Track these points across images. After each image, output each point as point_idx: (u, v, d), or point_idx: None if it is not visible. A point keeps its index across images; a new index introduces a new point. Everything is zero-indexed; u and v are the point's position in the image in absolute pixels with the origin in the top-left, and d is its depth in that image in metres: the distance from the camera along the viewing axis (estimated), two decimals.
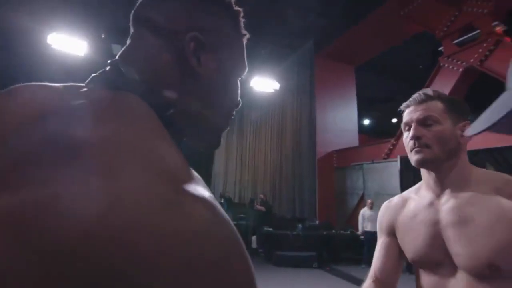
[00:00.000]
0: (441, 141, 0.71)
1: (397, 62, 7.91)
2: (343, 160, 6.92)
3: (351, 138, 7.52)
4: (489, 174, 0.74)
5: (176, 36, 0.39)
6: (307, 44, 7.49)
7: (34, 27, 5.75)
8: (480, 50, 4.33)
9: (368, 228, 5.37)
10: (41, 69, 6.69)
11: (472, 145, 4.29)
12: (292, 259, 5.53)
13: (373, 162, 6.06)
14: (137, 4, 0.42)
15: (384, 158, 5.87)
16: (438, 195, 0.74)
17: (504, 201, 0.65)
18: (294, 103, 8.09)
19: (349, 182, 6.67)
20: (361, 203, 6.15)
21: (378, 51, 6.96)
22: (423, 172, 0.77)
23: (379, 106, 11.03)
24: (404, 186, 4.03)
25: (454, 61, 4.70)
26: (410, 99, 0.79)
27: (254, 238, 6.64)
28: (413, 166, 0.75)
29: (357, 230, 5.65)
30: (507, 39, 4.17)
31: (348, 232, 5.98)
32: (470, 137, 0.72)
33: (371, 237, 5.04)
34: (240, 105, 0.47)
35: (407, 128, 0.77)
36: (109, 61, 0.40)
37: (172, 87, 0.38)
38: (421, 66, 7.85)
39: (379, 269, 0.81)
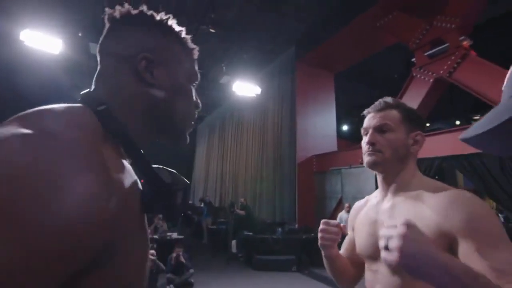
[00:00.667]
0: (392, 148, 0.78)
1: (374, 70, 8.23)
2: (322, 165, 7.05)
3: (330, 143, 7.69)
4: (428, 182, 0.78)
5: (130, 58, 0.49)
6: (289, 51, 7.63)
7: (5, 24, 5.48)
8: (449, 62, 4.61)
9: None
10: (13, 67, 6.37)
11: (441, 152, 4.53)
12: (272, 263, 5.55)
13: (350, 167, 6.23)
14: (100, 39, 0.52)
15: (361, 163, 6.00)
16: (383, 197, 0.83)
17: (425, 209, 0.70)
18: (275, 108, 8.18)
19: (328, 186, 6.80)
20: (339, 206, 6.28)
21: (356, 59, 7.21)
22: (377, 175, 0.85)
23: (357, 113, 11.36)
24: None
25: (426, 72, 4.96)
26: (372, 105, 0.86)
27: (234, 242, 6.60)
28: None
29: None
30: (473, 52, 4.47)
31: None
32: (421, 146, 0.81)
33: None
34: (200, 107, 0.58)
35: (365, 133, 0.84)
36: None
37: (132, 99, 0.49)
38: (396, 75, 8.22)
39: None
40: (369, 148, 0.81)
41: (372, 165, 0.80)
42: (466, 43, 4.47)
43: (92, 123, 0.42)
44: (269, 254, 5.69)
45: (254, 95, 7.55)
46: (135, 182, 0.45)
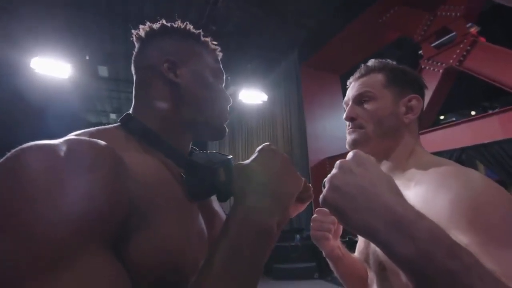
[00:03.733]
0: (375, 120, 0.62)
1: None
2: None
3: (341, 144, 7.53)
4: (425, 159, 0.60)
5: (155, 65, 0.53)
6: (292, 56, 7.64)
7: (16, 54, 5.71)
8: (458, 51, 4.48)
9: None
10: (26, 95, 6.59)
11: (459, 143, 4.37)
12: (292, 271, 5.41)
13: None
14: (132, 58, 0.57)
15: None
16: None
17: (410, 196, 0.51)
18: (283, 113, 8.15)
19: None
20: None
21: (361, 59, 7.12)
22: None
23: None
24: None
25: (434, 63, 4.84)
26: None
27: None
28: None
29: (355, 236, 5.58)
30: (482, 39, 4.34)
31: (347, 239, 5.90)
32: (417, 113, 0.62)
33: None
34: (231, 102, 0.60)
35: (346, 107, 0.69)
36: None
37: (160, 100, 0.52)
38: None
39: None
40: (349, 125, 0.66)
41: (353, 146, 0.64)
42: (474, 29, 4.35)
43: (111, 132, 0.48)
44: (289, 262, 5.55)
45: (261, 102, 7.55)
46: (167, 173, 0.48)
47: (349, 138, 0.66)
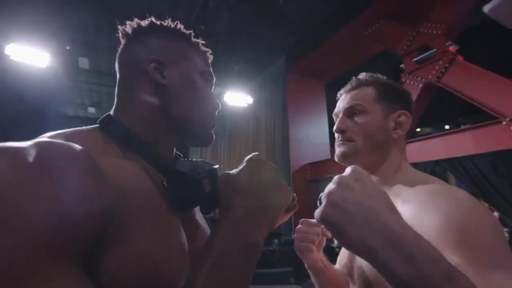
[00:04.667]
0: (365, 134, 0.62)
1: None
2: (316, 173, 7.01)
3: (323, 151, 7.69)
4: (412, 175, 0.61)
5: (141, 63, 0.50)
6: (279, 61, 7.70)
7: None
8: (437, 67, 4.69)
9: None
10: None
11: (434, 156, 4.55)
12: (269, 276, 5.40)
13: None
14: (117, 55, 0.54)
15: None
16: None
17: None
18: (267, 118, 8.18)
19: None
20: None
21: (346, 68, 7.31)
22: None
23: None
24: None
25: (415, 77, 5.04)
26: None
27: None
28: None
29: (333, 241, 5.67)
30: (460, 57, 4.56)
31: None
32: (405, 129, 0.62)
33: (328, 250, 5.06)
34: (219, 107, 0.57)
35: (336, 119, 0.69)
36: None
37: (145, 102, 0.49)
38: None
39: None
40: (338, 137, 0.66)
41: (342, 158, 0.64)
42: (452, 48, 4.57)
43: (87, 134, 0.44)
44: (266, 267, 5.54)
45: (246, 105, 7.55)
46: (148, 181, 0.44)
47: (338, 150, 0.65)
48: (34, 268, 0.26)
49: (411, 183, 0.56)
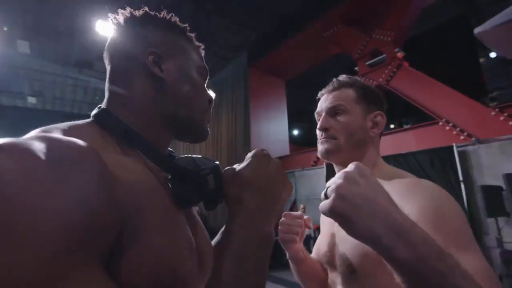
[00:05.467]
0: (347, 133, 0.67)
1: (321, 78, 8.76)
2: None
3: (283, 147, 7.92)
4: (388, 170, 0.67)
5: (139, 56, 0.48)
6: (241, 57, 7.71)
7: None
8: (386, 71, 5.14)
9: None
10: None
11: (381, 151, 4.99)
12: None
13: (303, 169, 6.49)
14: (106, 44, 0.51)
15: (312, 165, 6.36)
16: None
17: None
18: (229, 114, 8.15)
19: None
20: (293, 208, 6.48)
21: (306, 67, 7.61)
22: (334, 166, 0.72)
23: (307, 118, 11.99)
24: None
25: (367, 79, 5.45)
26: (326, 86, 0.75)
27: None
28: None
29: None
30: (406, 63, 5.05)
31: None
32: (381, 128, 0.67)
33: (306, 240, 5.33)
34: (213, 103, 0.57)
35: (318, 117, 0.73)
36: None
37: (143, 96, 0.47)
38: None
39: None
40: (322, 135, 0.69)
41: (326, 155, 0.68)
42: (400, 54, 5.04)
43: (84, 129, 0.42)
44: None
45: None
46: (153, 178, 0.42)
47: (321, 147, 0.68)
48: (57, 272, 0.25)
49: (388, 177, 0.61)
